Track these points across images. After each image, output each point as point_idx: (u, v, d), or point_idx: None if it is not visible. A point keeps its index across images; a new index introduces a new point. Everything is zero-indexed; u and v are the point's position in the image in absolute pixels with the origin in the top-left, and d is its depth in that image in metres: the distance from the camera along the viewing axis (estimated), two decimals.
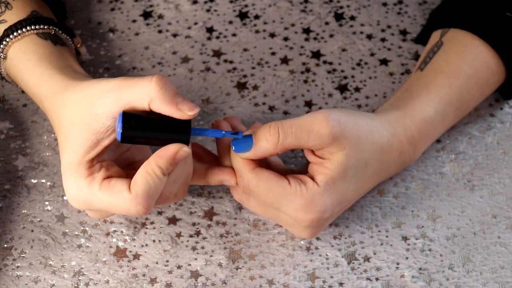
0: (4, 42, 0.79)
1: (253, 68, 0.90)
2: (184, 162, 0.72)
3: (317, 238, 0.79)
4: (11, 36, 0.79)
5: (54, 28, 0.81)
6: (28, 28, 0.79)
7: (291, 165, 0.83)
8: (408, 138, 0.78)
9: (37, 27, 0.79)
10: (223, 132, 0.73)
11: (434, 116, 0.80)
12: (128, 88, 0.70)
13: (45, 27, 0.80)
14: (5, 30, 0.79)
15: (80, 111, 0.71)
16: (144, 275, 0.78)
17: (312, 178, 0.73)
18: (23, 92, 0.88)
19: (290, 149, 0.73)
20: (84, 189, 0.71)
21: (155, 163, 0.69)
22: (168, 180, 0.71)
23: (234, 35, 0.93)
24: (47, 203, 0.81)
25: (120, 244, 0.79)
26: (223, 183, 0.75)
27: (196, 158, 0.77)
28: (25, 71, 0.78)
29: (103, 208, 0.72)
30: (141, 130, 0.69)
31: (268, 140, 0.72)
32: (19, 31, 0.79)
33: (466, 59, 0.82)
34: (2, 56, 0.80)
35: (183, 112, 0.69)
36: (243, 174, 0.73)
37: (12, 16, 0.80)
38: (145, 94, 0.69)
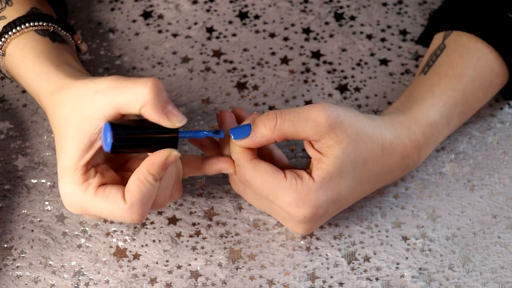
0: (3, 39, 0.79)
1: (253, 68, 0.90)
2: (172, 164, 0.72)
3: (317, 238, 0.79)
4: (10, 33, 0.79)
5: (53, 25, 0.81)
6: (27, 24, 0.79)
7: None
8: (412, 142, 0.78)
9: (35, 24, 0.79)
10: (205, 133, 0.73)
11: (439, 120, 0.79)
12: (119, 91, 0.69)
13: (44, 24, 0.80)
14: (4, 27, 0.79)
15: (74, 113, 0.71)
16: (144, 275, 0.78)
17: (310, 174, 0.73)
18: (23, 92, 0.88)
19: (288, 138, 0.72)
20: (79, 195, 0.71)
21: (147, 170, 0.69)
22: (161, 185, 0.71)
23: (234, 35, 0.93)
24: (47, 203, 0.81)
25: (120, 244, 0.79)
26: (222, 171, 0.75)
27: (200, 145, 0.77)
28: (23, 68, 0.78)
29: (98, 215, 0.72)
30: (130, 141, 0.69)
31: (265, 125, 0.72)
32: (17, 28, 0.79)
33: (469, 62, 0.81)
34: (1, 53, 0.80)
35: (172, 122, 0.70)
36: (241, 164, 0.73)
37: (12, 13, 0.80)
38: (137, 99, 0.69)
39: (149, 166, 0.69)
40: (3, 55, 0.80)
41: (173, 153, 0.70)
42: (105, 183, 0.71)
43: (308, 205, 0.72)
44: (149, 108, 0.69)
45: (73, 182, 0.71)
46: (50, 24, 0.80)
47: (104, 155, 0.74)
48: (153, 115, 0.69)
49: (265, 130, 0.72)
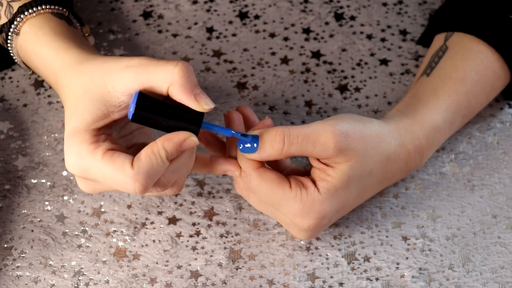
0: (18, 19, 0.79)
1: (253, 68, 0.90)
2: (188, 155, 0.71)
3: (317, 238, 0.79)
4: (26, 13, 0.78)
5: (68, 11, 0.81)
6: (43, 6, 0.79)
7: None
8: (416, 147, 0.78)
9: (51, 7, 0.79)
10: (233, 132, 0.72)
11: (442, 124, 0.79)
12: (150, 68, 0.69)
13: (59, 8, 0.80)
14: (20, 7, 0.79)
15: (96, 82, 0.70)
16: (144, 275, 0.78)
17: (314, 183, 0.73)
18: (23, 92, 0.88)
19: (295, 156, 0.73)
20: (85, 155, 0.70)
21: (162, 145, 0.69)
22: (169, 168, 0.71)
23: (234, 35, 0.93)
24: (47, 203, 0.81)
25: (120, 244, 0.79)
26: (227, 173, 0.75)
27: (206, 143, 0.77)
28: (40, 45, 0.77)
29: (100, 179, 0.70)
30: (153, 113, 0.69)
31: (273, 147, 0.72)
32: (34, 9, 0.78)
33: (472, 64, 0.81)
34: (15, 32, 0.79)
35: (200, 104, 0.69)
36: (247, 171, 0.73)
37: None
38: (167, 77, 0.69)
39: (165, 141, 0.69)
40: (17, 34, 0.79)
41: (192, 138, 0.70)
42: (114, 150, 0.71)
43: (313, 216, 0.73)
44: (177, 87, 0.69)
45: (82, 141, 0.70)
46: (65, 10, 0.80)
47: (114, 133, 0.73)
48: (180, 95, 0.69)
49: (271, 151, 0.72)
